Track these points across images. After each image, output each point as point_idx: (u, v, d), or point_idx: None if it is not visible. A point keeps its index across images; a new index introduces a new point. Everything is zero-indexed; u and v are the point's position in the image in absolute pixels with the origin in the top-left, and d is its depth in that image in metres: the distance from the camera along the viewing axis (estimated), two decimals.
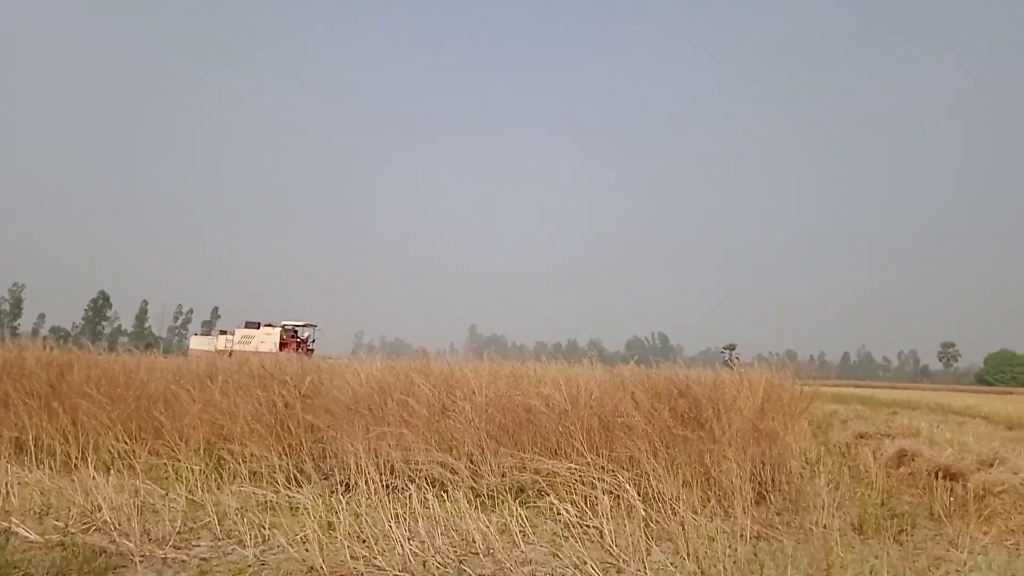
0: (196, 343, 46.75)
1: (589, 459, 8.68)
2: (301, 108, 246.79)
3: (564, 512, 7.43)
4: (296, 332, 50.08)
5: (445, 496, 8.14)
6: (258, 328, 48.22)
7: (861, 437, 16.12)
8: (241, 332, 47.06)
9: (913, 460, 11.84)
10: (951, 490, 9.80)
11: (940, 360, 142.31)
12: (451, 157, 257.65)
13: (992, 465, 10.66)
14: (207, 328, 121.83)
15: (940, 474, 10.53)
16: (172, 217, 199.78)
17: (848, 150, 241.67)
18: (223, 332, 48.28)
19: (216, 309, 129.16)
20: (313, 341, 50.80)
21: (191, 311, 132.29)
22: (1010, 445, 14.28)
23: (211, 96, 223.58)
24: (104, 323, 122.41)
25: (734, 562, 6.44)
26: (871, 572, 6.27)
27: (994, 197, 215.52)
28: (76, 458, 9.57)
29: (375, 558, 6.26)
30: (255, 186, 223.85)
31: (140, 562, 6.35)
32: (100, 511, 7.33)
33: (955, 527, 8.49)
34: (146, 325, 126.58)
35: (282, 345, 46.03)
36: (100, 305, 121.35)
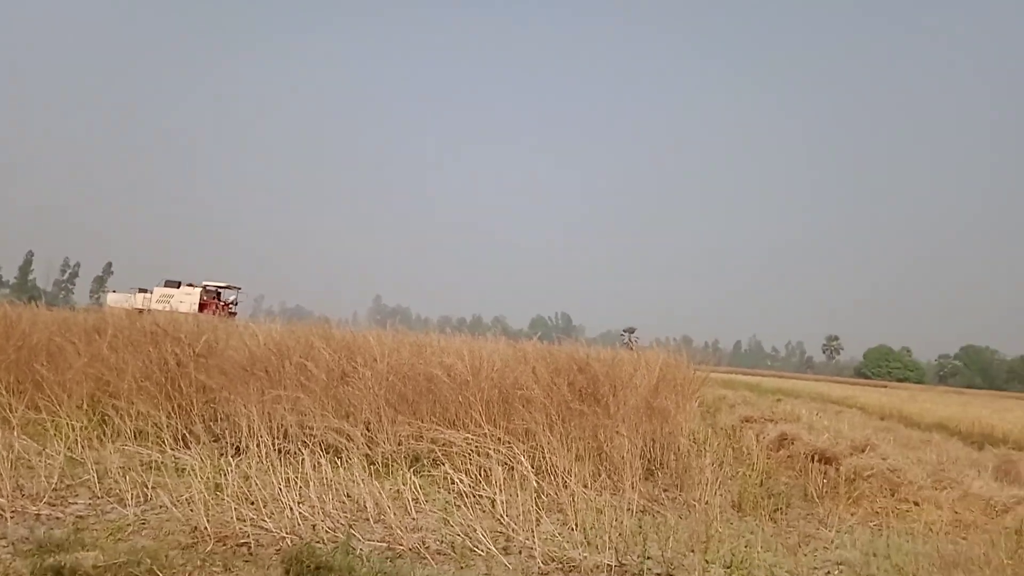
0: (113, 300, 44.42)
1: (487, 430, 8.76)
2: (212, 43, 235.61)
3: (458, 482, 7.46)
4: (219, 293, 48.31)
5: (339, 463, 8.07)
6: (178, 287, 46.37)
7: (746, 421, 16.84)
8: (160, 291, 45.04)
9: (792, 444, 12.45)
10: (825, 473, 10.36)
11: (824, 352, 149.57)
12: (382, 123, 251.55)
13: (864, 451, 11.31)
14: (97, 284, 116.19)
15: (816, 457, 11.13)
16: (63, 163, 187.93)
17: (748, 147, 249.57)
18: (142, 290, 46.06)
19: (109, 264, 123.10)
20: (236, 303, 49.21)
21: (78, 264, 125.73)
22: (881, 434, 15.19)
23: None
24: None
25: (619, 534, 6.64)
26: (746, 546, 6.58)
27: (884, 194, 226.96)
28: None
29: (263, 520, 6.16)
30: (157, 136, 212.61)
31: (11, 518, 6.07)
32: None
33: (826, 507, 9.00)
34: (30, 277, 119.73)
35: (202, 306, 44.27)
36: None
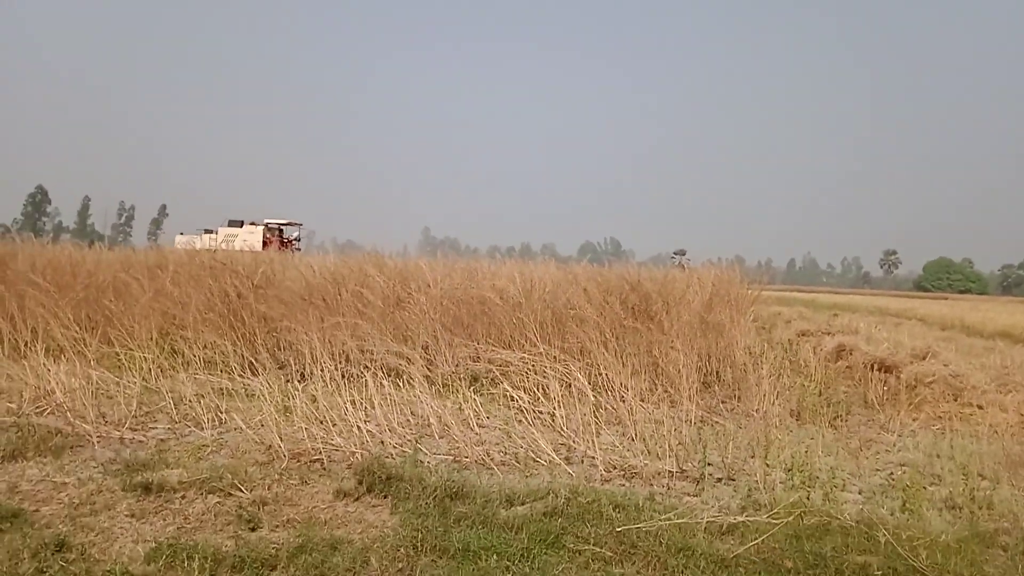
0: (180, 241, 45.30)
1: (542, 349, 8.84)
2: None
3: (517, 398, 7.61)
4: (281, 231, 49.03)
5: (400, 384, 8.26)
6: (241, 226, 47.17)
7: (803, 335, 16.71)
8: (224, 231, 45.64)
9: (851, 354, 12.35)
10: (885, 381, 10.28)
11: (881, 267, 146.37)
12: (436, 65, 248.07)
13: (924, 358, 11.18)
14: (154, 226, 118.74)
15: (875, 366, 11.03)
16: (117, 112, 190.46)
17: (801, 56, 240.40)
18: (207, 231, 46.81)
19: (164, 207, 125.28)
20: (299, 239, 49.90)
21: (133, 208, 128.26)
22: (942, 343, 14.93)
23: None
24: (44, 219, 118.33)
25: (679, 442, 6.73)
26: (806, 451, 6.60)
27: (936, 112, 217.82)
28: (25, 345, 9.43)
29: (333, 439, 6.39)
30: (205, 83, 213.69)
31: (97, 442, 6.40)
32: (53, 395, 7.30)
33: (887, 414, 8.96)
34: (88, 222, 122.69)
35: (265, 243, 45.08)
36: (39, 200, 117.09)
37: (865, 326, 19.46)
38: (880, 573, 4.14)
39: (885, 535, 4.57)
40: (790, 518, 4.90)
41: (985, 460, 6.80)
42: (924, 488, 5.93)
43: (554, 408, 7.50)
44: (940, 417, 8.89)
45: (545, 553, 4.26)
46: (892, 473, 6.49)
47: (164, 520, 4.68)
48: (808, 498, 5.40)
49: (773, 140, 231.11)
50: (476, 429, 7.13)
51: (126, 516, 4.71)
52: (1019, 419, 8.73)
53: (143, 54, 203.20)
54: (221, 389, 8.27)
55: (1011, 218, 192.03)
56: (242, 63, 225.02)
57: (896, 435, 8.04)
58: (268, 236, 46.98)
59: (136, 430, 6.87)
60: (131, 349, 9.28)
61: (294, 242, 48.77)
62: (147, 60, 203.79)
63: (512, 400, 7.72)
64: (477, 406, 7.58)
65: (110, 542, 4.29)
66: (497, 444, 6.79)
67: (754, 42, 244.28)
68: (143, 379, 8.25)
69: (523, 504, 5.13)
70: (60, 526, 4.47)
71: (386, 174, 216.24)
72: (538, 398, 7.88)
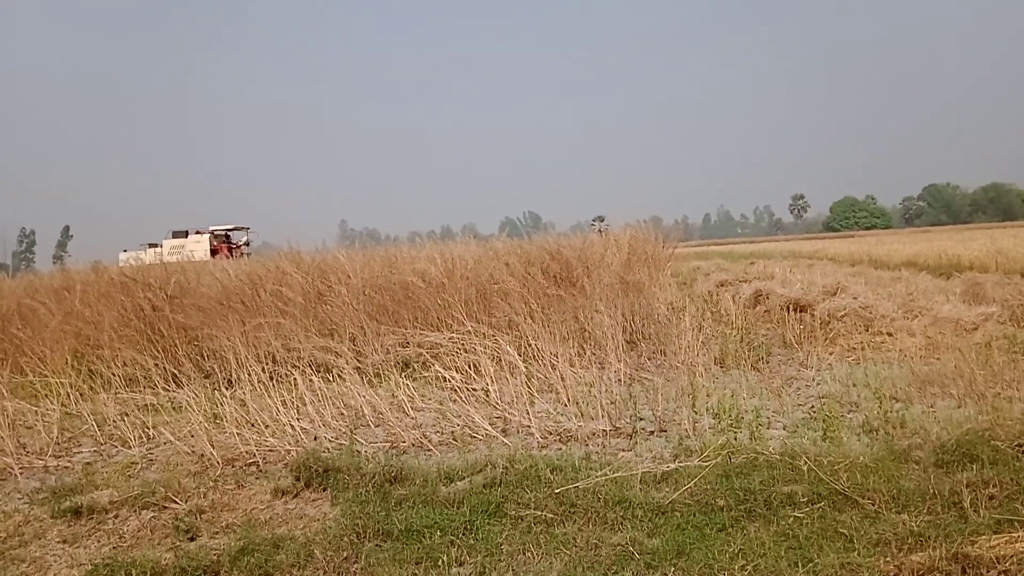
0: (124, 258, 43.13)
1: (469, 327, 8.90)
2: None
3: (449, 379, 7.65)
4: (228, 236, 47.45)
5: (331, 379, 8.20)
6: (186, 236, 45.36)
7: (721, 285, 17.18)
8: (169, 243, 43.77)
9: (767, 299, 12.78)
10: (801, 320, 10.71)
11: (792, 212, 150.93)
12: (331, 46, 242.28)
13: (835, 294, 11.67)
14: (60, 248, 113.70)
15: (791, 307, 11.47)
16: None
17: (706, 12, 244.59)
18: (151, 245, 44.75)
19: (67, 228, 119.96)
20: (248, 244, 48.30)
21: (33, 232, 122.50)
22: (852, 279, 15.59)
23: None
24: None
25: (611, 402, 6.90)
26: (732, 396, 6.86)
27: (832, 41, 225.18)
28: None
29: (266, 440, 6.32)
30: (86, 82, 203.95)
31: (20, 473, 6.18)
32: None
33: (805, 351, 9.36)
34: None
35: (214, 252, 43.38)
36: None
37: (780, 271, 20.14)
38: (805, 499, 4.36)
39: (808, 463, 4.81)
40: (719, 459, 5.11)
41: (897, 383, 7.19)
42: (842, 416, 6.24)
43: (487, 384, 7.57)
44: (854, 348, 9.31)
45: (488, 523, 4.33)
46: (812, 406, 6.79)
47: (98, 541, 4.57)
48: (735, 439, 5.64)
49: (682, 100, 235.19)
50: (411, 413, 7.14)
51: (58, 542, 4.59)
52: (926, 341, 9.22)
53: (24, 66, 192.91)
54: (146, 405, 8.06)
55: (908, 152, 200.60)
56: (122, 70, 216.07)
57: (815, 370, 8.41)
58: (215, 244, 45.42)
59: (60, 456, 6.66)
60: (45, 376, 8.94)
61: (242, 247, 47.15)
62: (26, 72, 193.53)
63: (445, 381, 7.76)
64: (410, 391, 7.59)
65: (44, 571, 4.18)
66: (433, 425, 6.83)
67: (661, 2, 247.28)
68: (62, 404, 7.98)
69: (462, 479, 5.19)
70: None
71: (299, 173, 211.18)
72: (470, 376, 7.94)
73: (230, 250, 45.10)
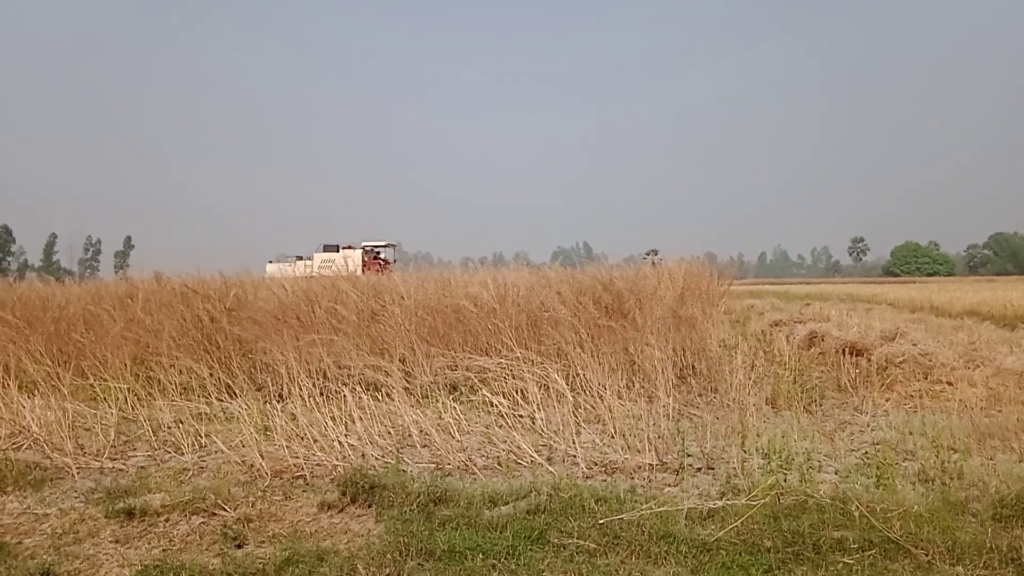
0: (272, 269, 43.93)
1: (519, 353, 8.91)
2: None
3: (497, 404, 7.66)
4: (378, 253, 48.75)
5: (380, 397, 8.28)
6: (337, 251, 46.37)
7: (776, 325, 16.94)
8: (320, 256, 44.46)
9: (823, 340, 12.56)
10: (856, 364, 10.48)
11: (851, 255, 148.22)
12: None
13: (894, 340, 11.40)
14: (121, 259, 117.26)
15: (847, 351, 11.23)
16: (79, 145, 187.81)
17: (763, 52, 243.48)
18: (299, 258, 45.78)
19: (129, 239, 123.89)
20: (395, 261, 49.24)
21: (99, 241, 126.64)
22: (911, 324, 15.22)
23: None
24: (9, 258, 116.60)
25: (658, 436, 6.82)
26: (782, 437, 6.73)
27: (898, 95, 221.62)
28: None
29: (314, 454, 6.41)
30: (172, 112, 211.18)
31: (77, 473, 6.37)
32: (29, 429, 7.26)
33: (860, 396, 9.15)
34: (54, 258, 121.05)
35: (364, 267, 44.27)
36: (3, 240, 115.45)
37: (836, 313, 19.77)
38: (856, 545, 4.25)
39: (860, 509, 4.69)
40: (767, 499, 5.01)
41: (955, 433, 6.97)
42: (897, 464, 6.08)
43: (534, 411, 7.57)
44: (911, 396, 9.08)
45: (530, 549, 4.32)
46: (866, 452, 6.63)
47: (149, 544, 4.69)
48: (785, 480, 5.52)
49: (739, 138, 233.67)
50: (457, 436, 7.17)
51: (110, 542, 4.71)
52: (987, 392, 8.93)
53: (99, 88, 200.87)
54: (199, 414, 8.25)
55: (974, 199, 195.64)
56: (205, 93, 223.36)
57: (869, 416, 8.21)
58: (366, 259, 46.26)
59: (116, 459, 6.84)
60: (105, 380, 9.21)
61: (389, 263, 47.87)
62: (103, 92, 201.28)
63: (492, 406, 7.78)
64: (457, 414, 7.62)
65: (96, 568, 4.29)
66: (479, 449, 6.85)
67: (716, 44, 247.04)
68: (119, 409, 8.20)
69: (506, 504, 5.19)
70: (44, 556, 4.46)
71: (355, 197, 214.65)
72: (517, 402, 7.95)
73: (380, 266, 45.57)
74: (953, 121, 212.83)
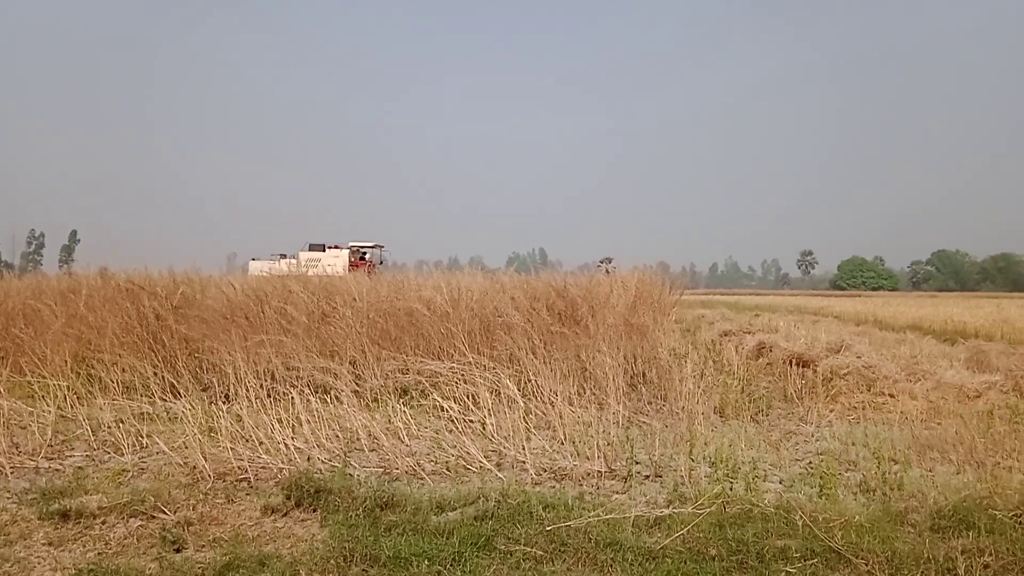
0: (255, 267, 42.53)
1: (471, 358, 8.89)
2: None
3: (448, 409, 7.62)
4: (364, 254, 47.73)
5: (328, 400, 8.17)
6: (323, 250, 45.33)
7: (725, 335, 17.15)
8: (306, 255, 43.35)
9: (771, 351, 12.75)
10: (803, 375, 10.66)
11: (799, 267, 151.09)
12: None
13: (839, 352, 11.62)
14: (66, 253, 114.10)
15: (794, 362, 11.42)
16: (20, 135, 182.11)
17: (717, 69, 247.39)
18: (283, 256, 44.33)
19: (75, 233, 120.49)
20: (381, 262, 48.30)
21: (43, 235, 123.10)
22: (856, 337, 15.54)
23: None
24: None
25: (607, 443, 6.85)
26: (729, 446, 6.81)
27: (852, 105, 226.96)
28: None
29: (259, 457, 6.29)
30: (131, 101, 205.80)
31: (10, 473, 6.15)
32: None
33: (805, 406, 9.32)
34: None
35: (351, 267, 43.21)
36: None
37: (784, 324, 20.10)
38: (798, 554, 4.31)
39: (803, 518, 4.76)
40: (713, 508, 5.06)
41: (896, 445, 7.14)
42: (840, 474, 6.19)
43: (484, 416, 7.54)
44: (855, 407, 9.26)
45: (477, 555, 4.29)
46: (810, 462, 6.74)
47: (84, 546, 4.54)
48: (731, 489, 5.59)
49: (693, 151, 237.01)
50: (406, 441, 7.11)
51: (43, 544, 4.55)
52: (927, 405, 9.16)
53: (43, 72, 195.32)
54: (142, 413, 8.05)
55: (919, 217, 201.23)
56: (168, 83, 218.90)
57: (814, 426, 8.36)
58: (353, 259, 45.33)
59: (52, 459, 6.63)
60: (44, 377, 8.93)
61: (376, 265, 46.97)
62: (44, 79, 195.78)
63: (442, 410, 7.74)
64: (407, 418, 7.56)
65: (27, 572, 4.14)
66: (428, 454, 6.79)
67: (672, 55, 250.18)
68: (58, 407, 7.97)
69: (454, 510, 5.15)
70: None
71: (304, 191, 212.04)
72: (468, 407, 7.91)
73: (368, 267, 44.64)
74: (901, 142, 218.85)
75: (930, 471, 6.34)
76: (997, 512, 4.94)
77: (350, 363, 9.70)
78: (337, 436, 7.08)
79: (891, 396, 9.64)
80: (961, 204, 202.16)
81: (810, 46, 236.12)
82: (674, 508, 5.14)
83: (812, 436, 7.90)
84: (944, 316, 24.72)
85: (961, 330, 20.93)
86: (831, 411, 9.09)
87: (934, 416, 8.71)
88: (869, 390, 9.92)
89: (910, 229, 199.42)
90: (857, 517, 4.87)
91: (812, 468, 6.44)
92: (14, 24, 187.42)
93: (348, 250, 46.44)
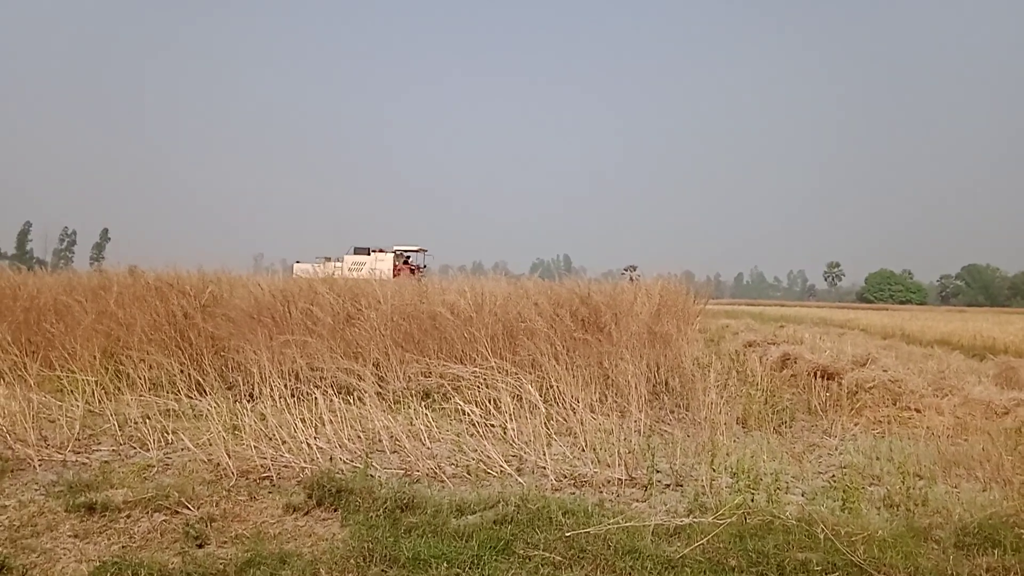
0: (300, 269, 42.90)
1: (493, 363, 8.91)
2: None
3: (469, 412, 7.64)
4: (408, 258, 47.82)
5: (351, 401, 8.23)
6: (368, 254, 45.70)
7: (749, 345, 17.04)
8: (351, 258, 43.40)
9: (795, 363, 12.64)
10: (827, 388, 10.56)
11: (826, 279, 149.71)
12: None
13: (864, 365, 11.51)
14: (96, 251, 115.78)
15: (818, 374, 11.32)
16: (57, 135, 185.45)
17: (748, 76, 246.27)
18: (327, 258, 44.66)
19: (106, 231, 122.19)
20: (425, 266, 48.63)
21: (75, 232, 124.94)
22: (882, 351, 15.38)
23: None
24: None
25: (628, 451, 6.83)
26: (751, 457, 6.76)
27: (881, 120, 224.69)
28: None
29: (282, 455, 6.35)
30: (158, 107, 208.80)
31: (38, 465, 6.26)
32: None
33: (829, 419, 9.22)
34: (28, 248, 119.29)
35: (395, 271, 43.49)
36: None
37: (809, 336, 19.93)
38: (820, 568, 4.27)
39: (825, 532, 4.72)
40: (734, 519, 5.03)
41: (922, 460, 7.05)
42: (863, 488, 6.11)
43: (506, 421, 7.56)
44: (880, 421, 9.16)
45: (495, 559, 4.30)
46: (833, 475, 6.67)
47: (108, 539, 4.61)
48: (752, 500, 5.55)
49: (720, 160, 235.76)
50: (427, 443, 7.14)
51: (69, 536, 4.63)
52: (954, 421, 9.04)
53: (80, 76, 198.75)
54: (167, 410, 8.15)
55: (948, 230, 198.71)
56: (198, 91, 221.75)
57: (838, 439, 8.28)
58: (397, 263, 45.61)
59: (79, 452, 6.73)
60: (73, 372, 9.08)
61: (420, 268, 47.20)
62: (84, 83, 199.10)
63: (464, 414, 7.77)
64: (428, 421, 7.60)
65: (52, 563, 4.21)
66: (448, 457, 6.82)
67: (697, 64, 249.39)
68: (86, 402, 8.09)
69: (473, 513, 5.17)
70: (0, 548, 4.37)
71: (333, 195, 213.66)
72: (490, 411, 7.93)
73: (410, 271, 44.75)
74: (934, 155, 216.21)
75: (956, 487, 6.26)
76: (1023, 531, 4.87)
77: (373, 365, 9.76)
78: (359, 437, 7.13)
79: (917, 411, 9.53)
80: (993, 218, 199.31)
81: (844, 53, 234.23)
82: (694, 518, 5.12)
83: (836, 449, 7.82)
84: (973, 331, 24.38)
85: (990, 346, 20.64)
86: (855, 424, 8.99)
87: (961, 432, 8.59)
88: (895, 404, 9.81)
89: (940, 242, 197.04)
90: (880, 532, 4.83)
91: (835, 481, 6.38)
92: (58, 29, 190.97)
93: (392, 254, 46.47)
